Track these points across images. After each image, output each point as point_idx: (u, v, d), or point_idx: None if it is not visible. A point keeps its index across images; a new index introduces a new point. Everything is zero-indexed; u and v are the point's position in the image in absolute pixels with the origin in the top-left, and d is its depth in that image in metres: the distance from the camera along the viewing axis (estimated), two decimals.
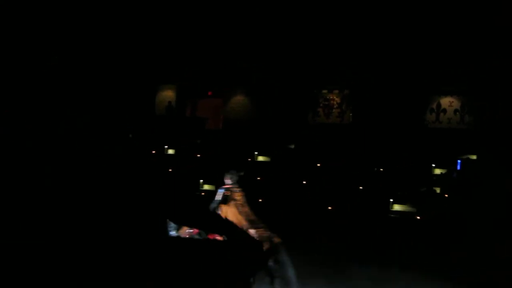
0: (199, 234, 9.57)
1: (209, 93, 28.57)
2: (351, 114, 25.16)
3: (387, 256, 15.88)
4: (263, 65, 26.47)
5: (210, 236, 9.61)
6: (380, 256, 15.81)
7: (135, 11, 27.23)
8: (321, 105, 25.81)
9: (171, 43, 28.03)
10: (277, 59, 26.09)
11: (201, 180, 22.87)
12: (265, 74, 26.53)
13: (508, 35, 21.98)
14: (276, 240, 10.26)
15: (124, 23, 27.30)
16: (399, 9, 23.67)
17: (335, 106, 25.56)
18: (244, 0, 25.79)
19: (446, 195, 19.44)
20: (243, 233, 10.08)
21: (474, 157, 21.40)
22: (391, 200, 19.51)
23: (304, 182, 21.24)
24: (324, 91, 25.81)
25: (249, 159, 24.07)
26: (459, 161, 20.74)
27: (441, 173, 20.83)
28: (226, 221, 10.24)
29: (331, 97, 25.68)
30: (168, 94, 29.62)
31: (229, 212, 10.46)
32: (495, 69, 22.26)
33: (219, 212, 10.56)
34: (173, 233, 9.67)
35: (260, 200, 20.22)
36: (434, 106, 23.66)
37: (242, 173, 23.07)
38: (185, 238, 9.54)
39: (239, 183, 11.36)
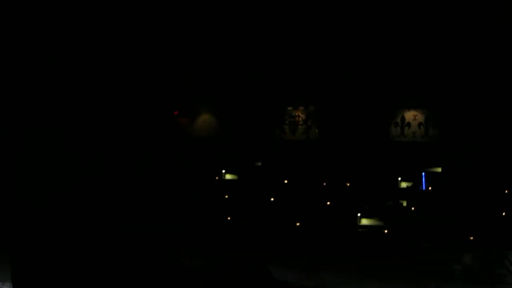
0: None
1: (175, 112, 28.44)
2: (317, 130, 25.29)
3: (357, 267, 16.11)
4: (229, 82, 26.51)
5: None
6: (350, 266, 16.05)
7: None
8: (286, 122, 25.89)
9: (136, 64, 27.93)
10: (243, 77, 26.15)
11: None
12: (232, 92, 26.56)
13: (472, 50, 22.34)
14: None
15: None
16: (360, 25, 23.92)
17: (300, 123, 25.67)
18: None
19: (413, 208, 19.67)
20: None
21: (439, 169, 21.67)
22: (359, 214, 19.67)
23: (272, 199, 21.31)
24: (290, 108, 25.90)
25: (217, 178, 24.08)
26: (423, 173, 21.01)
27: (407, 186, 21.08)
28: None
29: (296, 114, 25.78)
30: None
31: None
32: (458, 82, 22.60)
33: None
34: None
35: (229, 218, 20.29)
36: (399, 120, 23.88)
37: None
38: None
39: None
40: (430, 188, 20.87)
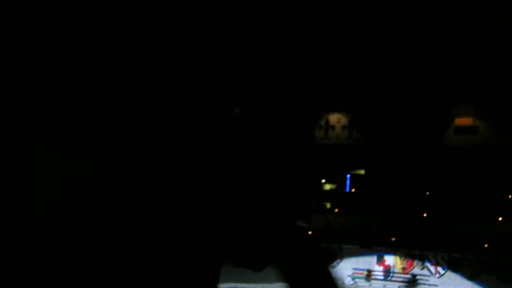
0: None
1: None
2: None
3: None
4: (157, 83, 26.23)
5: None
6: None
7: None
8: None
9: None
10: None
11: None
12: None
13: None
14: None
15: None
16: (288, 32, 23.93)
17: None
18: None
19: (336, 210, 19.72)
20: None
21: (362, 172, 21.79)
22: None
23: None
24: None
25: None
26: (348, 175, 21.10)
27: (331, 188, 21.15)
28: None
29: None
30: None
31: None
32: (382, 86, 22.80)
33: None
34: None
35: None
36: (323, 122, 23.95)
37: None
38: None
39: None
40: (353, 190, 20.98)
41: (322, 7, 23.51)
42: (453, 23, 21.66)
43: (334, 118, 23.92)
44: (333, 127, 23.82)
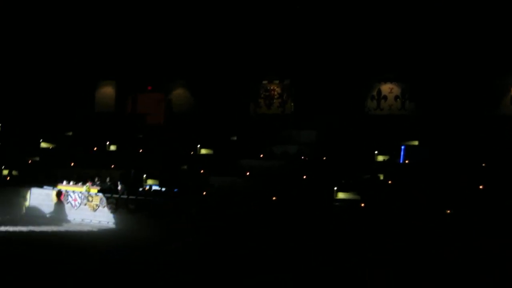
0: None
1: (149, 87, 28.11)
2: (292, 104, 25.05)
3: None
4: (202, 57, 26.21)
5: None
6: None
7: (73, 6, 26.99)
8: (262, 96, 25.62)
9: (109, 37, 27.60)
10: (217, 51, 25.86)
11: (144, 175, 22.57)
12: (205, 66, 26.29)
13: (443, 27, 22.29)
14: None
15: (60, 16, 27.10)
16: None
17: (276, 97, 25.40)
18: None
19: (390, 182, 19.45)
20: None
21: (416, 143, 21.48)
22: (335, 188, 19.43)
23: (248, 173, 21.09)
24: (265, 81, 25.60)
25: (192, 152, 23.80)
26: (403, 147, 20.75)
27: (384, 159, 20.86)
28: None
29: (271, 88, 25.51)
30: (108, 90, 29.04)
31: None
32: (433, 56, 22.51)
33: None
34: None
35: (204, 193, 20.08)
36: (375, 93, 23.70)
37: (185, 167, 22.88)
38: None
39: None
40: (407, 161, 20.67)
41: None
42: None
43: (386, 88, 23.64)
44: (385, 97, 23.55)
